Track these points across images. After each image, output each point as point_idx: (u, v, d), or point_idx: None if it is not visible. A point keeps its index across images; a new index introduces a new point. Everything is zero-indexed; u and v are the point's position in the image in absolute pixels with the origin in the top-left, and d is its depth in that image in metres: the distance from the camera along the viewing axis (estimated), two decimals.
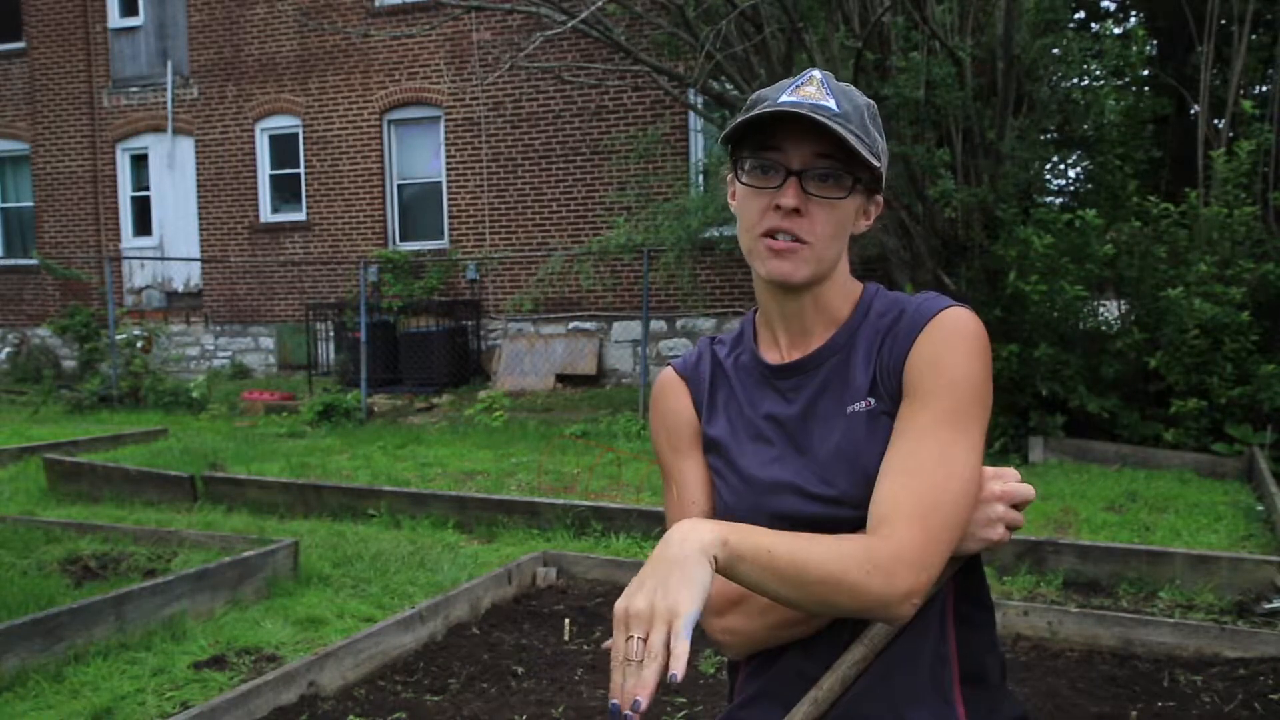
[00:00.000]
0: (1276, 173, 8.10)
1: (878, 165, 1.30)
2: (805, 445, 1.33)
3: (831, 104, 1.26)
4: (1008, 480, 1.28)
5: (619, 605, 1.09)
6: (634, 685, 1.03)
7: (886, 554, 1.16)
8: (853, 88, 1.33)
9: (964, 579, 1.31)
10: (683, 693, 3.65)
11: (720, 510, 1.36)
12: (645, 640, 1.05)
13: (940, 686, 1.28)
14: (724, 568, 1.10)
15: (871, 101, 1.35)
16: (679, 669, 1.03)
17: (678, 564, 1.07)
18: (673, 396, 1.46)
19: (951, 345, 1.27)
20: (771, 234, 1.29)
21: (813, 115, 1.24)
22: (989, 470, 1.28)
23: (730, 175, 1.38)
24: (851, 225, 1.33)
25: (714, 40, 8.01)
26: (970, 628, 1.32)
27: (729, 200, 1.39)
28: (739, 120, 1.29)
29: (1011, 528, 1.27)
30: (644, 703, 1.03)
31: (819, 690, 1.25)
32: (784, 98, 1.27)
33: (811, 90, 1.28)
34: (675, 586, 1.06)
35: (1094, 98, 8.37)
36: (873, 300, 1.37)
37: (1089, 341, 8.01)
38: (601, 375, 12.71)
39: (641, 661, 1.04)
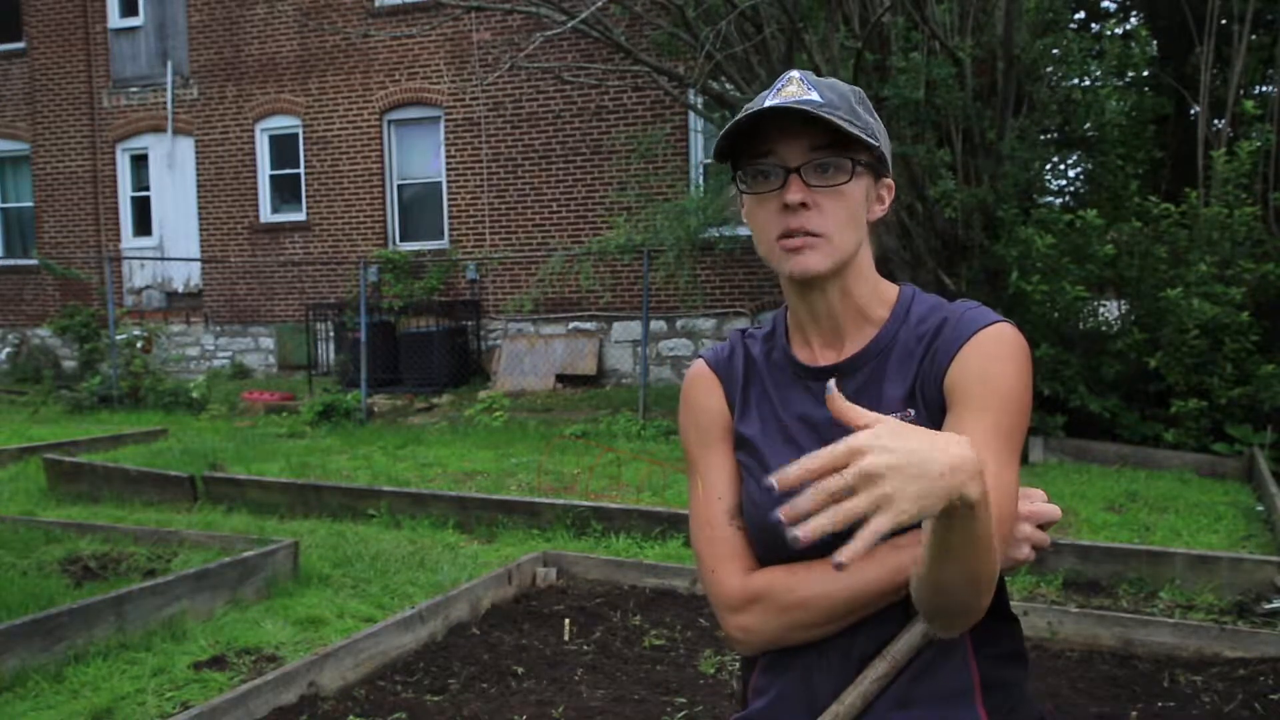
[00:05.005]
0: (1277, 173, 8.10)
1: (875, 144, 1.30)
2: None
3: (815, 97, 1.27)
4: (1034, 500, 1.28)
5: (859, 441, 0.95)
6: (810, 524, 0.93)
7: None
8: (835, 80, 1.34)
9: None
10: (683, 693, 3.65)
11: (747, 507, 1.36)
12: (842, 494, 0.94)
13: (960, 694, 1.28)
14: (978, 499, 1.00)
15: (857, 88, 1.36)
16: (843, 556, 0.92)
17: (931, 475, 0.95)
18: (704, 390, 1.44)
19: (1002, 360, 1.26)
20: (785, 235, 1.29)
21: (797, 107, 1.25)
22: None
23: (736, 193, 1.38)
24: (864, 212, 1.33)
25: (714, 40, 8.01)
26: (991, 637, 1.32)
27: (742, 216, 1.39)
28: (726, 129, 1.29)
29: (1037, 548, 1.27)
30: (801, 539, 0.93)
31: (840, 705, 1.25)
32: (767, 102, 1.28)
33: (793, 89, 1.29)
34: (914, 490, 0.94)
35: (1094, 98, 8.37)
36: (911, 303, 1.36)
37: (1089, 341, 8.01)
38: (601, 375, 12.71)
39: (831, 503, 0.93)
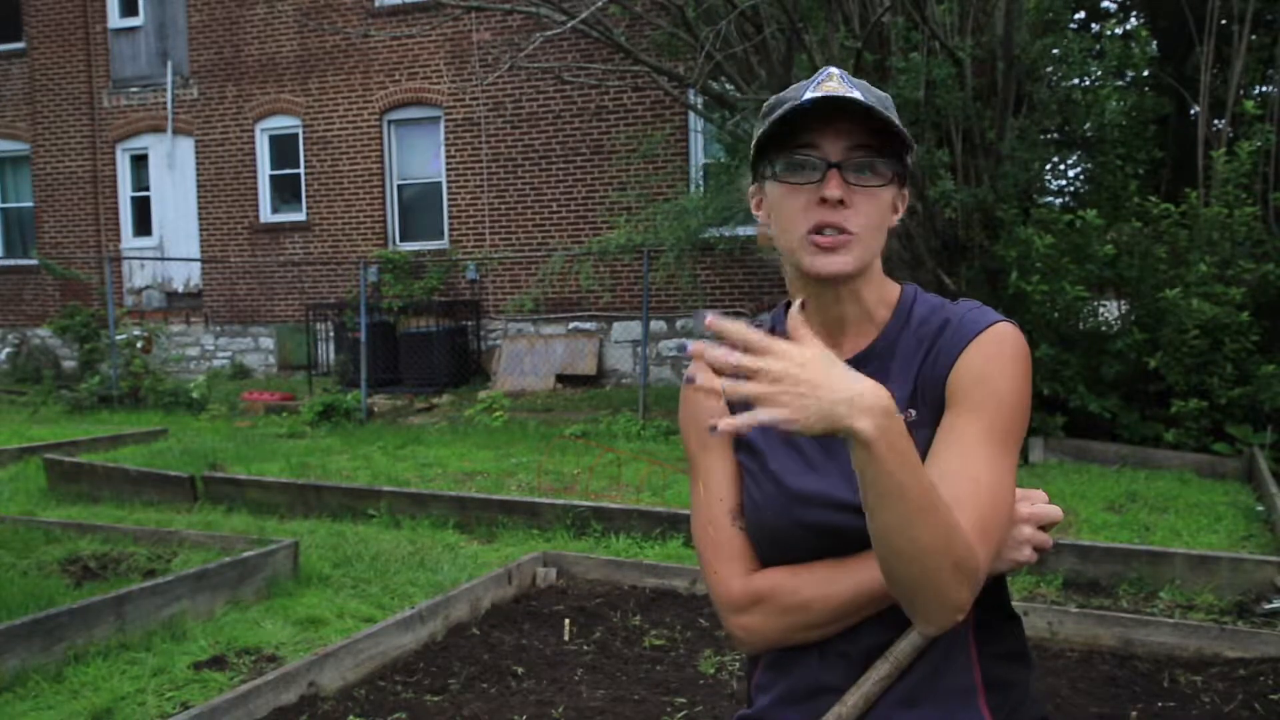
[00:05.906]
0: (1277, 173, 8.10)
1: (909, 154, 1.31)
2: (837, 451, 1.30)
3: (857, 95, 1.26)
4: (1035, 502, 1.28)
5: (781, 346, 1.05)
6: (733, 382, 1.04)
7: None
8: (868, 84, 1.33)
9: (986, 591, 1.30)
10: (683, 693, 3.65)
11: (749, 509, 1.35)
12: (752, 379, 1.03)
13: (963, 694, 1.28)
14: (871, 437, 1.05)
15: (887, 94, 1.35)
16: (721, 425, 1.02)
17: (821, 397, 1.03)
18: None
19: (1000, 361, 1.27)
20: (817, 230, 1.28)
21: (860, 100, 1.24)
22: (1018, 491, 1.29)
23: (754, 186, 1.37)
24: (889, 217, 1.33)
25: (714, 40, 8.01)
26: (994, 636, 1.32)
27: (754, 211, 1.38)
28: (775, 116, 1.28)
29: (1039, 549, 1.27)
30: (720, 428, 1.04)
31: (843, 706, 1.25)
32: (807, 95, 1.27)
33: (833, 85, 1.28)
34: (800, 403, 1.03)
35: (1094, 98, 8.37)
36: (913, 304, 1.36)
37: (1089, 341, 8.02)
38: (601, 375, 12.71)
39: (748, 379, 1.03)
